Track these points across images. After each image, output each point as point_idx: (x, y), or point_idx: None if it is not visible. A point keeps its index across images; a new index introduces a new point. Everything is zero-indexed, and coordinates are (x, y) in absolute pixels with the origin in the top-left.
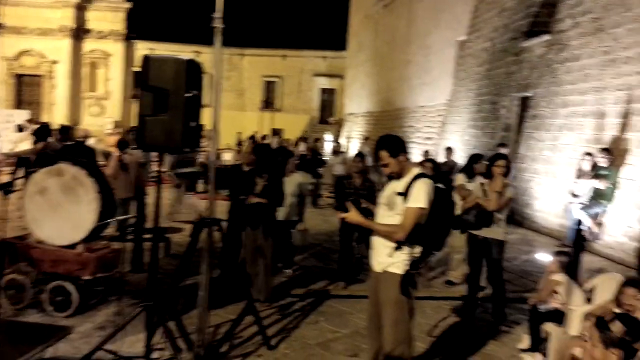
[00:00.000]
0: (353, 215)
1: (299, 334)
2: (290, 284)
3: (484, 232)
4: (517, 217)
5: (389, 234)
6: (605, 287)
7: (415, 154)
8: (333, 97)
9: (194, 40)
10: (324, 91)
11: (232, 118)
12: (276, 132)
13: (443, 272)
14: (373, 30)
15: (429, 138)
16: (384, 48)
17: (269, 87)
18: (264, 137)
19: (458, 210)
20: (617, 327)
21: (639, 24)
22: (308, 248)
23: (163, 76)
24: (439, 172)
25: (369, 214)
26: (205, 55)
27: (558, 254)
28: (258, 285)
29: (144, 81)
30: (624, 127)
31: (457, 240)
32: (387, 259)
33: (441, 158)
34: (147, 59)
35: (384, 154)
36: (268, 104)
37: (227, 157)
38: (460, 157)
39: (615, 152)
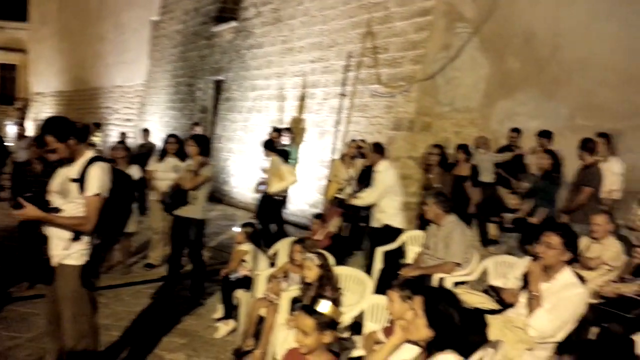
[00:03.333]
0: (30, 212)
1: None
2: None
3: (183, 212)
4: (217, 195)
5: (76, 227)
6: (285, 250)
7: (114, 137)
8: (14, 74)
9: None
10: (3, 67)
11: None
12: None
13: (144, 257)
14: (58, 0)
15: (128, 120)
16: (73, 22)
17: None
18: None
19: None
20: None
21: (309, 17)
22: None
23: None
24: (132, 155)
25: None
26: None
27: (244, 225)
28: None
29: None
30: (301, 109)
31: (154, 221)
32: (63, 251)
33: (140, 140)
34: None
35: (50, 139)
36: None
37: None
38: (160, 139)
39: (295, 131)
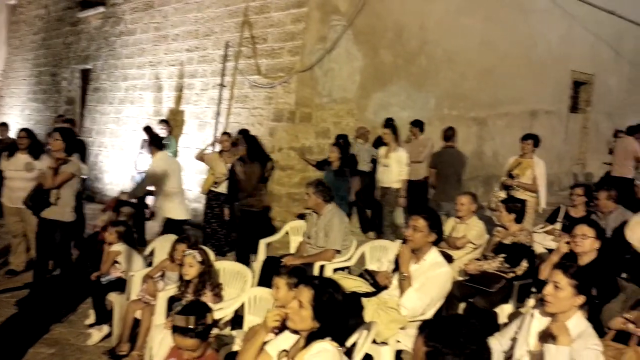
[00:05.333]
0: None
1: None
2: None
3: (48, 213)
4: (89, 192)
5: None
6: (163, 248)
7: None
8: None
9: None
10: None
11: None
12: None
13: (6, 263)
14: None
15: None
16: None
17: None
18: None
19: None
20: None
21: (183, 4)
22: None
23: None
24: None
25: None
26: None
27: (114, 224)
28: None
29: None
30: (178, 99)
31: (10, 224)
32: None
33: None
34: None
35: None
36: None
37: None
38: None
39: (172, 123)
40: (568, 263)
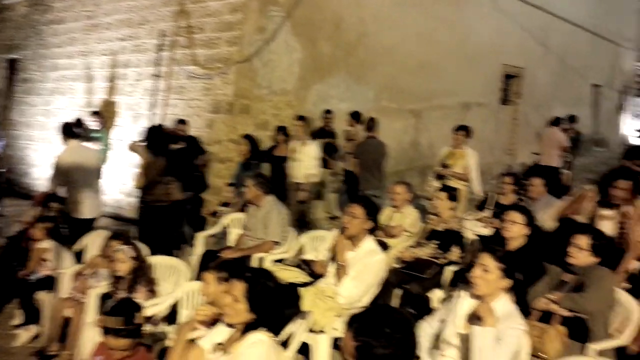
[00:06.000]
0: None
1: None
2: None
3: None
4: (16, 188)
5: None
6: (95, 244)
7: None
8: None
9: None
10: None
11: None
12: None
13: None
14: None
15: None
16: None
17: None
18: None
19: None
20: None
21: None
22: None
23: None
24: None
25: None
26: None
27: (41, 220)
28: None
29: None
30: (111, 90)
31: None
32: None
33: None
34: None
35: None
36: None
37: None
38: None
39: (105, 114)
40: (496, 247)
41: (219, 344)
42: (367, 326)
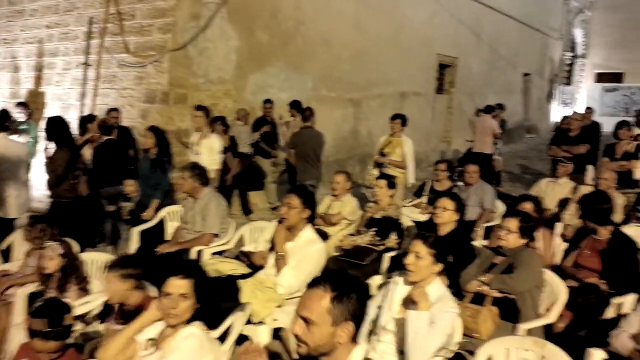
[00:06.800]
0: None
1: None
2: None
3: None
4: None
5: None
6: (22, 242)
7: None
8: None
9: None
10: None
11: None
12: None
13: None
14: None
15: None
16: None
17: None
18: None
19: None
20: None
21: None
22: None
23: None
24: None
25: None
26: None
27: None
28: None
29: None
30: (38, 80)
31: None
32: None
33: None
34: None
35: None
36: None
37: None
38: None
39: (32, 105)
40: (427, 234)
41: (151, 339)
42: (339, 280)
